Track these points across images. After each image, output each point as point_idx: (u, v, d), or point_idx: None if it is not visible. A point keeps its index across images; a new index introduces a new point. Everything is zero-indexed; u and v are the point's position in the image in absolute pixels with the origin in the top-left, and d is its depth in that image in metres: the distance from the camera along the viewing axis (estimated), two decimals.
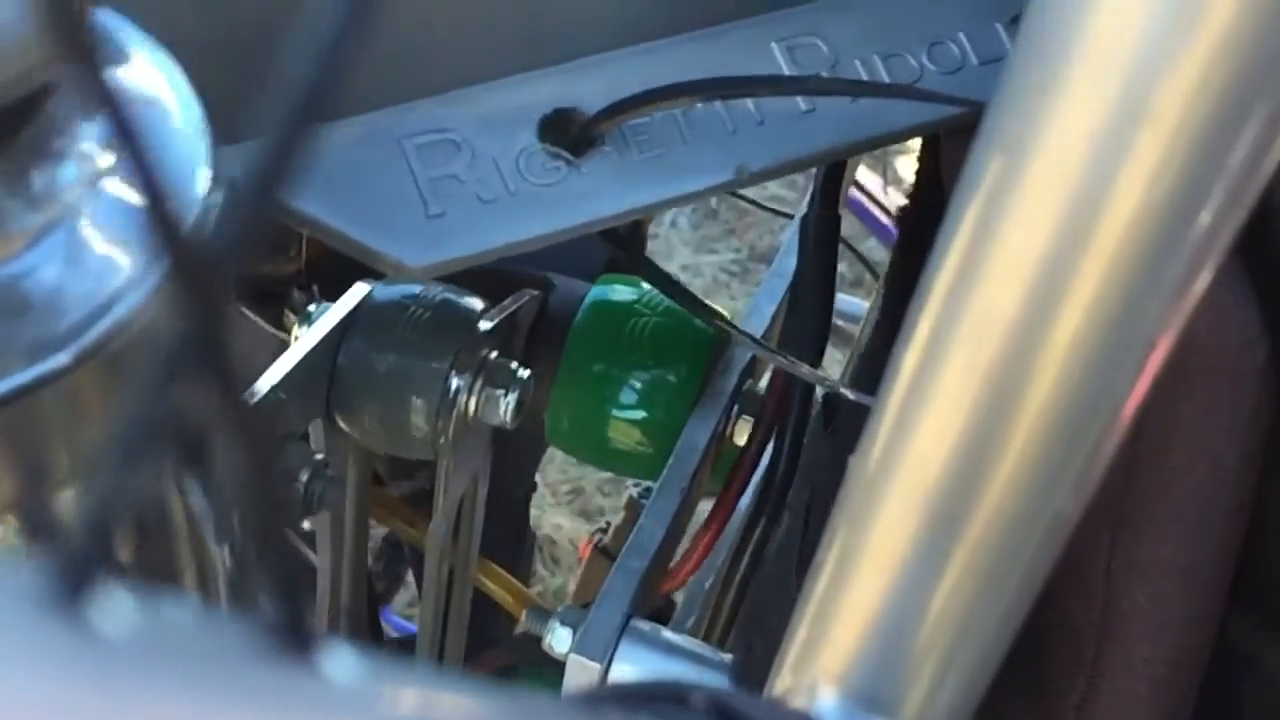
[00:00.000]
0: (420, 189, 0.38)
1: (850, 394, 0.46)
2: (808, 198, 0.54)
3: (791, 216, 0.58)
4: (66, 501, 0.28)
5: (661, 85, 0.40)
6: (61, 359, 0.25)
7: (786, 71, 0.43)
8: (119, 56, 0.29)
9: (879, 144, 0.43)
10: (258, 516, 0.11)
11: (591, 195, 0.39)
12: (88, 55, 0.11)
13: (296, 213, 0.36)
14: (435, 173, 0.38)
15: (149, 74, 0.30)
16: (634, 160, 0.40)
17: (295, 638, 0.11)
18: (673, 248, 1.70)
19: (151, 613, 0.11)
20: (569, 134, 0.40)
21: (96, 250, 0.27)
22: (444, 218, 0.37)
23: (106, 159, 0.28)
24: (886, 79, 0.43)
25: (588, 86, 0.41)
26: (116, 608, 0.11)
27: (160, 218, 0.10)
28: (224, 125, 0.30)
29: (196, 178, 0.28)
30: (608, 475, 1.43)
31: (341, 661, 0.11)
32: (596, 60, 0.41)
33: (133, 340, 0.26)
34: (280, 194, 0.10)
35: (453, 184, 0.38)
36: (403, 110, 0.39)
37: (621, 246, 0.49)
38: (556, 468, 1.44)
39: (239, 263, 0.10)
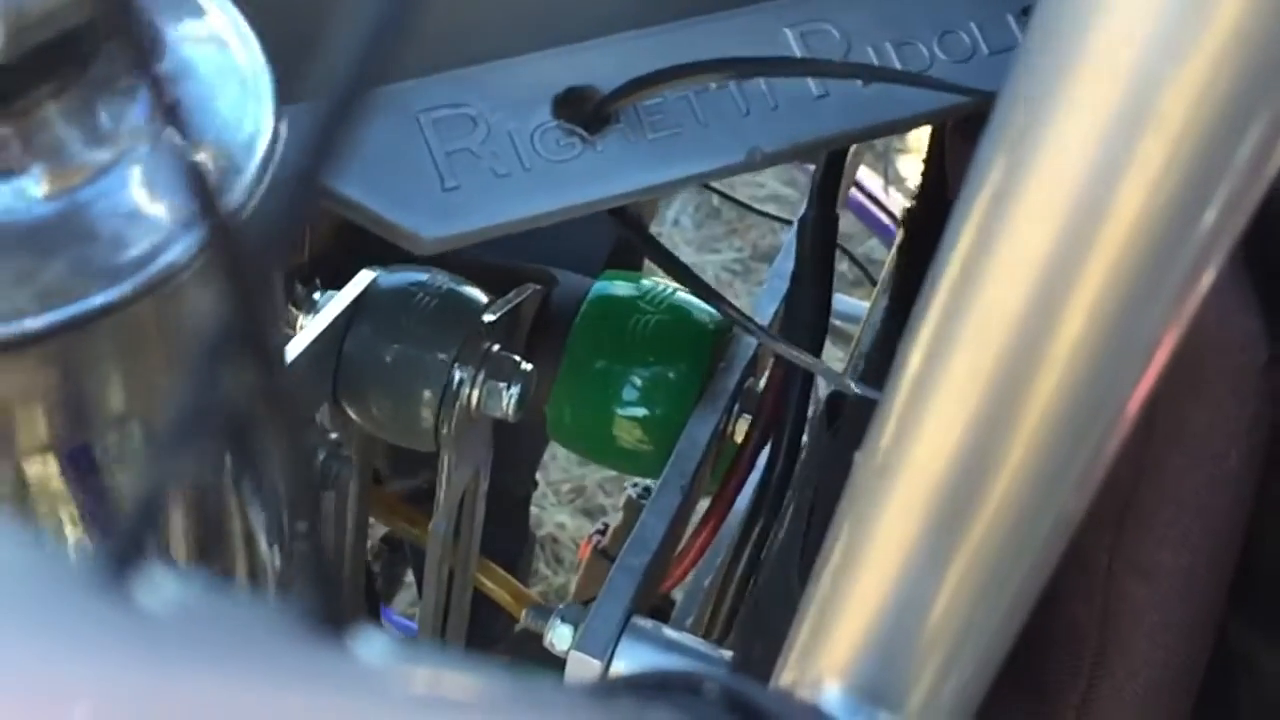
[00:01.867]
0: (436, 162, 0.38)
1: (854, 387, 0.46)
2: (806, 198, 0.55)
3: (790, 222, 0.58)
4: (111, 443, 0.28)
5: (676, 64, 0.40)
6: (120, 290, 0.26)
7: (798, 56, 0.43)
8: (190, 6, 0.30)
9: (890, 130, 0.43)
10: (293, 497, 0.11)
11: (605, 173, 0.40)
12: (133, 36, 0.11)
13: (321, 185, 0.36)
14: (451, 147, 0.38)
15: (221, 27, 0.30)
16: (647, 140, 0.40)
17: (328, 619, 0.11)
18: (675, 247, 1.70)
19: (193, 594, 0.11)
20: (584, 111, 0.40)
21: (159, 187, 0.27)
22: (459, 191, 0.38)
23: (174, 98, 0.28)
24: (898, 66, 0.43)
25: (603, 66, 0.41)
26: (160, 587, 0.11)
27: (205, 203, 0.10)
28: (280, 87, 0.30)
29: (260, 122, 0.29)
30: (609, 474, 1.43)
31: (373, 644, 0.11)
32: (612, 40, 0.41)
33: (190, 278, 0.27)
34: (327, 173, 0.10)
35: (468, 158, 0.38)
36: (420, 84, 0.39)
37: (629, 226, 0.49)
38: (558, 466, 1.44)
39: (283, 247, 0.11)
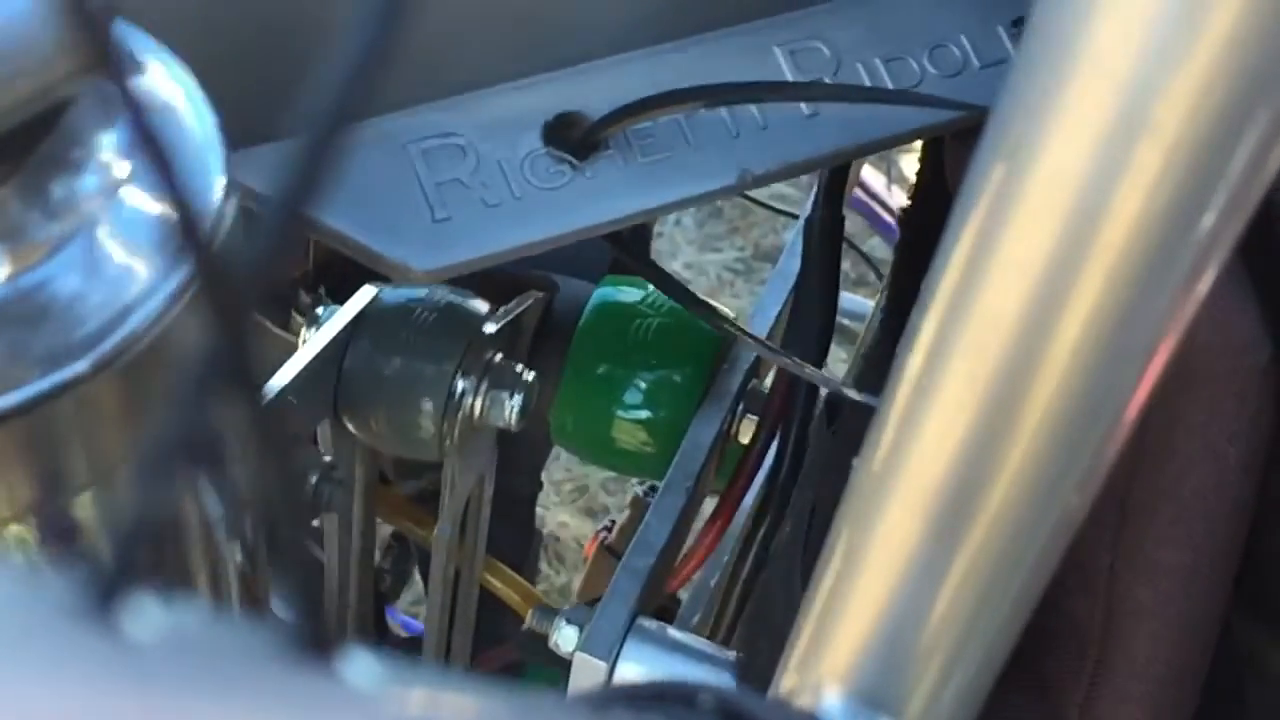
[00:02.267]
0: (426, 193, 0.38)
1: (853, 394, 0.46)
2: (811, 198, 0.55)
3: (795, 216, 0.58)
4: (84, 506, 0.28)
5: (665, 91, 0.40)
6: (79, 367, 0.26)
7: (789, 75, 0.43)
8: (133, 65, 0.30)
9: (881, 147, 0.43)
10: (278, 523, 0.11)
11: (596, 199, 0.40)
12: (114, 66, 0.11)
13: (306, 218, 0.36)
14: (441, 177, 0.38)
15: (163, 82, 0.30)
16: (638, 164, 0.40)
17: (314, 642, 0.11)
18: (677, 246, 1.70)
19: (178, 619, 0.11)
20: (573, 138, 0.40)
21: (114, 259, 0.27)
22: (450, 222, 0.38)
23: (124, 168, 0.28)
24: (888, 82, 0.43)
25: (592, 91, 0.41)
26: (145, 615, 0.11)
27: (190, 235, 0.10)
28: (232, 131, 0.30)
29: (212, 185, 0.29)
30: (612, 473, 1.43)
31: (360, 665, 0.12)
32: (600, 65, 0.41)
33: (150, 348, 0.27)
34: (309, 206, 0.11)
35: (458, 188, 0.38)
36: (408, 115, 0.39)
37: (625, 249, 0.49)
38: (561, 466, 1.44)
39: (266, 277, 0.11)
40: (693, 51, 0.42)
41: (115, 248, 0.27)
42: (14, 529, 0.28)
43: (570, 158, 0.40)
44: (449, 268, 0.37)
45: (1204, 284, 0.21)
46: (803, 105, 0.42)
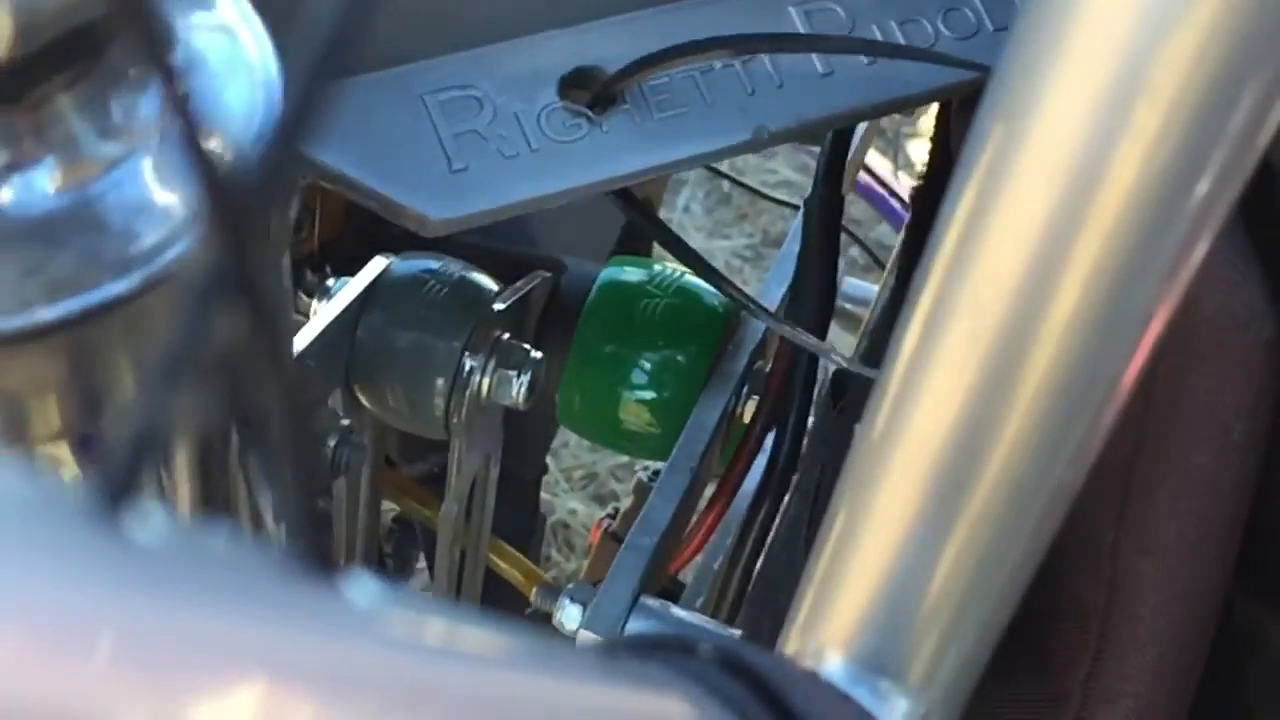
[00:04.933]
0: (443, 144, 0.38)
1: (854, 367, 0.46)
2: (813, 179, 0.55)
3: (798, 208, 0.58)
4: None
5: (681, 42, 0.40)
6: (129, 283, 0.26)
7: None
8: None
9: (895, 107, 0.43)
10: (288, 450, 0.11)
11: (612, 153, 0.40)
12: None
13: (321, 166, 0.36)
14: (458, 128, 0.39)
15: (228, 10, 0.30)
16: (654, 119, 0.40)
17: (319, 564, 0.11)
18: (685, 232, 1.70)
19: (184, 530, 0.11)
20: (590, 92, 0.40)
21: (168, 181, 0.27)
22: (466, 173, 0.38)
23: (184, 88, 0.28)
24: (902, 44, 0.43)
25: (609, 46, 0.41)
26: (152, 522, 0.11)
27: (196, 154, 0.11)
28: None
29: (269, 114, 0.29)
30: (621, 460, 1.43)
31: (364, 587, 0.12)
32: (617, 20, 0.42)
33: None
34: (306, 136, 0.11)
35: (475, 139, 0.39)
36: (426, 66, 0.39)
37: (637, 208, 0.49)
38: (570, 453, 1.45)
39: (272, 199, 0.11)
40: (709, 10, 0.43)
41: (169, 169, 0.27)
42: (52, 448, 0.29)
43: (587, 111, 0.40)
44: (466, 218, 0.38)
45: (1201, 248, 0.21)
46: (818, 64, 0.42)
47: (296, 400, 0.11)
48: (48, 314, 0.25)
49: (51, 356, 0.26)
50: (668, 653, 0.18)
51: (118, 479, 0.11)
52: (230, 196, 0.11)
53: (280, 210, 0.33)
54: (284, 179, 0.11)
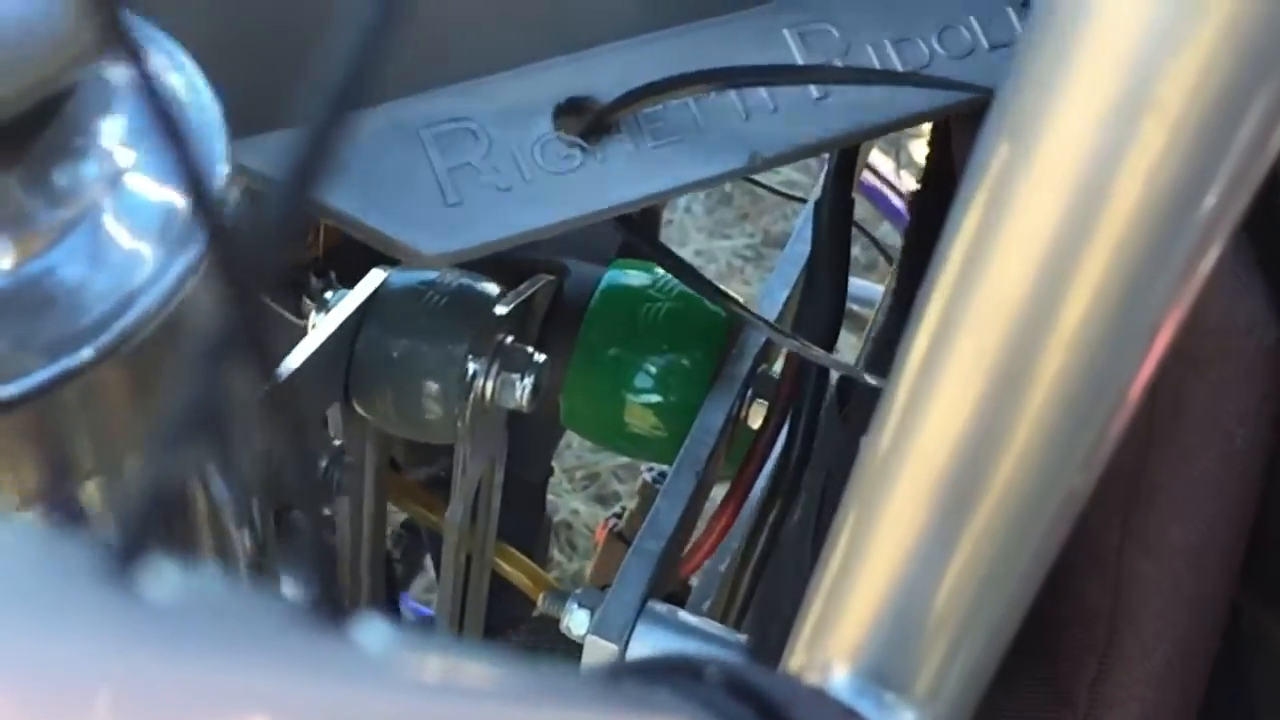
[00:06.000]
0: (438, 177, 0.38)
1: (859, 374, 0.46)
2: (820, 182, 0.55)
3: (804, 201, 0.58)
4: (90, 492, 0.29)
5: (675, 75, 0.40)
6: (84, 354, 0.26)
7: (798, 58, 0.43)
8: (141, 51, 0.30)
9: (891, 129, 0.43)
10: (295, 494, 0.11)
11: (607, 182, 0.40)
12: (127, 44, 0.11)
13: (316, 202, 0.36)
14: (452, 161, 0.39)
15: (165, 70, 0.30)
16: (648, 147, 0.40)
17: (329, 609, 0.12)
18: (686, 233, 1.70)
19: (196, 584, 0.11)
20: (584, 122, 0.40)
21: (118, 247, 0.27)
22: (461, 206, 0.38)
23: (127, 156, 0.28)
24: (898, 64, 0.43)
25: (602, 75, 0.41)
26: (164, 578, 0.11)
27: (204, 209, 0.11)
28: (237, 119, 0.30)
29: (215, 174, 0.29)
30: (624, 461, 1.43)
31: (374, 631, 0.12)
32: (611, 49, 0.42)
33: (154, 335, 0.27)
34: (315, 188, 0.11)
35: (470, 172, 0.39)
36: (420, 100, 0.39)
37: (635, 232, 0.49)
38: (573, 454, 1.45)
39: (275, 254, 0.11)
40: (702, 35, 0.43)
41: (119, 235, 0.27)
42: (22, 516, 0.29)
43: (581, 142, 0.40)
44: (461, 252, 0.38)
45: (1208, 261, 0.21)
46: (812, 88, 0.42)
47: (305, 447, 0.11)
48: (7, 390, 0.25)
49: (12, 428, 0.26)
50: (674, 676, 0.18)
51: (131, 536, 0.11)
52: (237, 250, 0.11)
53: (284, 260, 0.33)
54: (289, 229, 0.11)
